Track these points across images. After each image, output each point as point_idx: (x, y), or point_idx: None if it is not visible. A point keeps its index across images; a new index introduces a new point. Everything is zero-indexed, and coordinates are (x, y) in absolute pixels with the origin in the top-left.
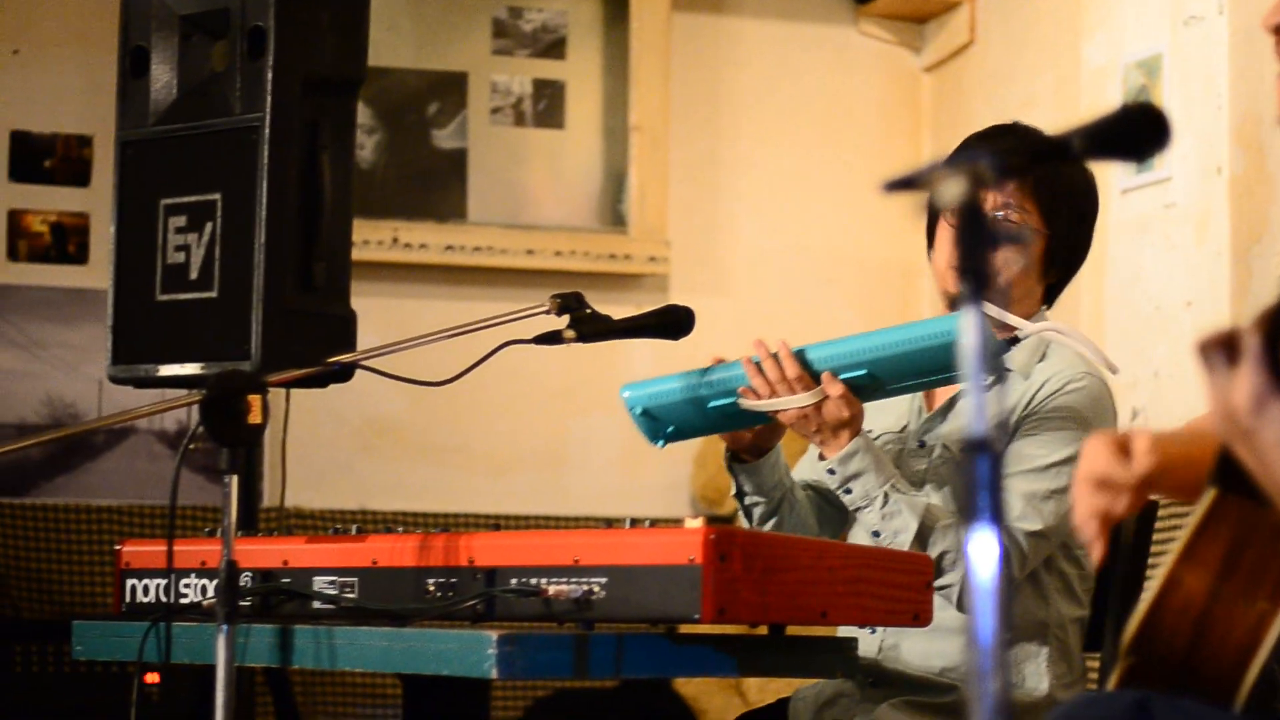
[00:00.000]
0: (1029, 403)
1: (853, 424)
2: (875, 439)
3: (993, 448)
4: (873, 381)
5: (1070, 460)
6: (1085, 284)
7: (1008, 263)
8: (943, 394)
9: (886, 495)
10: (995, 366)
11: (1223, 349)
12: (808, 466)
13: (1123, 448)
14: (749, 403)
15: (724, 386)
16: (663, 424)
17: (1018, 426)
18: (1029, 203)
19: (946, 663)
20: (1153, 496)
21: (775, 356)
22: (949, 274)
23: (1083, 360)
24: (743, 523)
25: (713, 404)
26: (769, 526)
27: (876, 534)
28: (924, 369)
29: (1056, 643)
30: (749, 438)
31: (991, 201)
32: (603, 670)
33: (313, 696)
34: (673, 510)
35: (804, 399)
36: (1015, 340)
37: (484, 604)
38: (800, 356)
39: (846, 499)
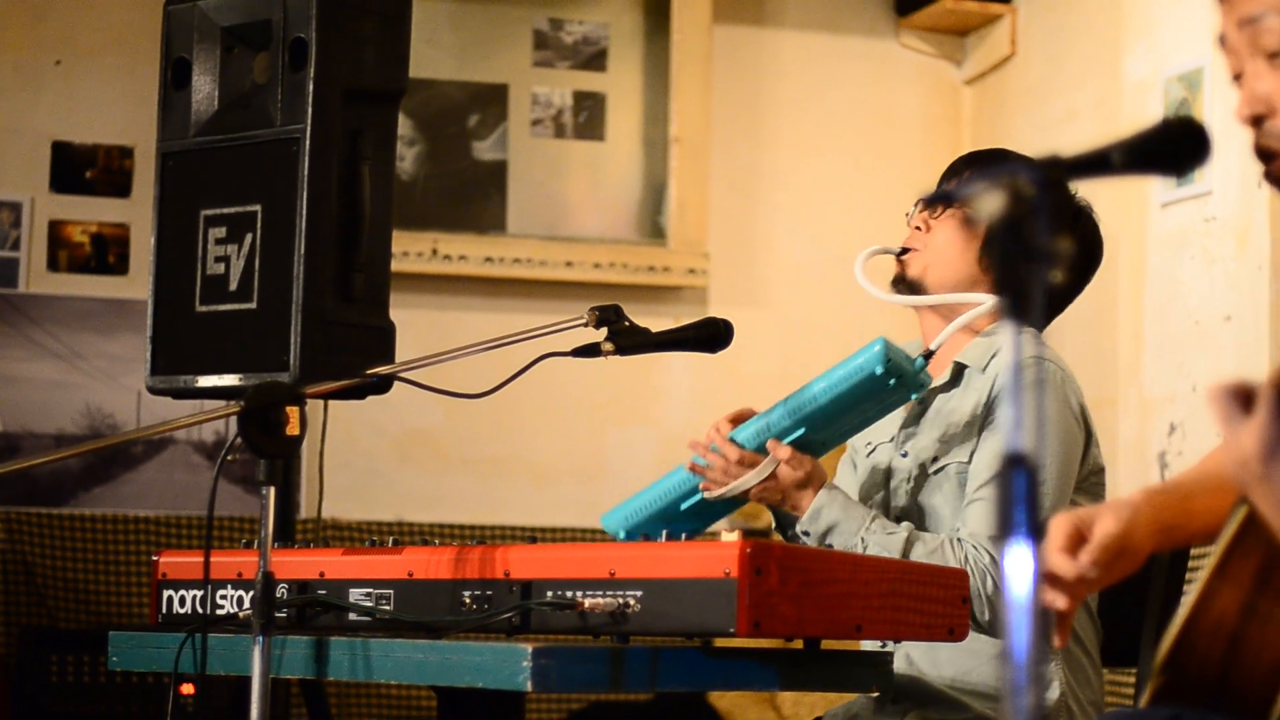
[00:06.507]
0: (988, 400)
1: (812, 481)
2: (871, 452)
3: (1028, 463)
4: (816, 435)
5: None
6: (1124, 297)
7: (949, 238)
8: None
9: (864, 540)
10: (919, 383)
11: (1237, 398)
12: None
13: (1081, 534)
14: (712, 494)
15: (687, 486)
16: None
17: (982, 429)
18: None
19: (956, 671)
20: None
21: (714, 449)
22: None
23: (1034, 344)
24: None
25: (684, 505)
26: None
27: None
28: (856, 406)
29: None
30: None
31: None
32: (637, 683)
33: (348, 708)
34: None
35: (757, 475)
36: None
37: (519, 616)
38: (738, 438)
39: None
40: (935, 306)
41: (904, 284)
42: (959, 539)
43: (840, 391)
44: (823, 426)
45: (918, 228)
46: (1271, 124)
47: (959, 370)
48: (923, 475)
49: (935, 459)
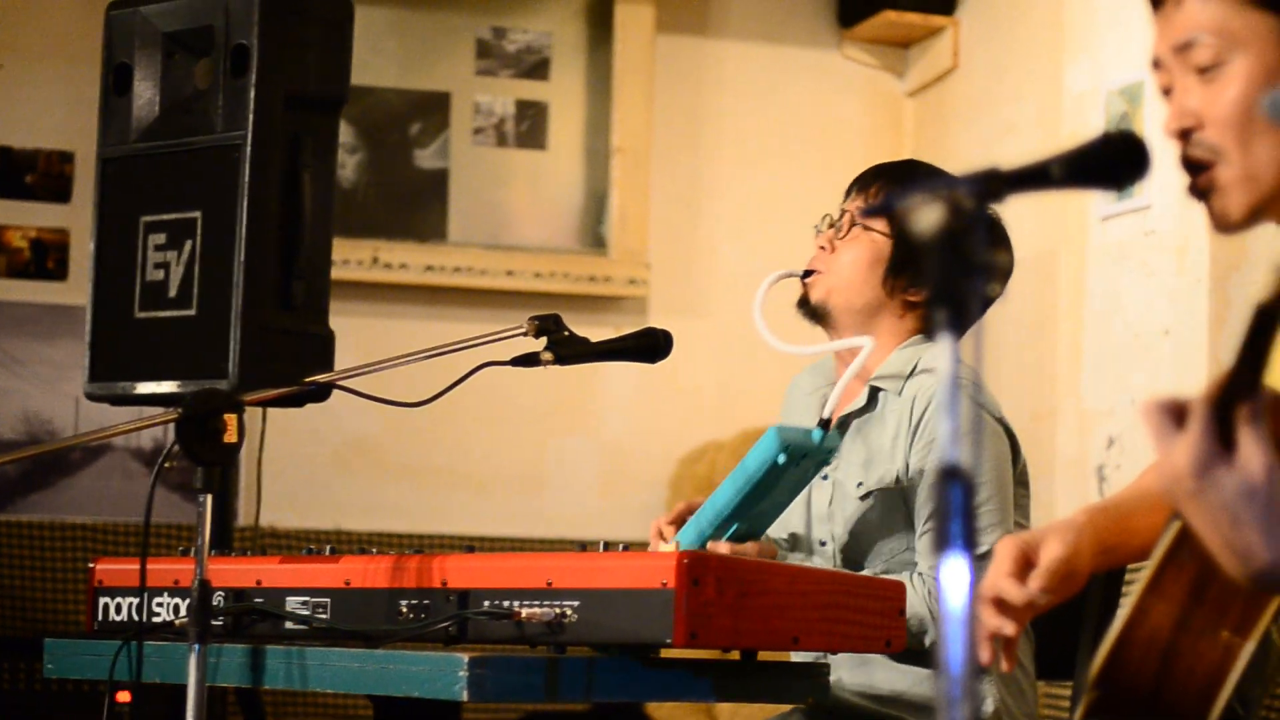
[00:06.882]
0: (913, 425)
1: None
2: None
3: (964, 476)
4: (749, 522)
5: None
6: (1063, 310)
7: (853, 260)
8: (839, 411)
9: None
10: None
11: (1170, 414)
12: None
13: (1027, 558)
14: None
15: None
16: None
17: (912, 456)
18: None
19: (891, 692)
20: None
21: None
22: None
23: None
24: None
25: None
26: None
27: None
28: (774, 490)
29: None
30: None
31: (849, 207)
32: (573, 693)
33: (284, 717)
34: (650, 532)
35: None
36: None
37: (456, 626)
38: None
39: None
40: (841, 329)
41: (807, 307)
42: (919, 574)
43: (754, 485)
44: (752, 513)
45: (822, 248)
46: (1200, 135)
47: (874, 392)
48: (847, 499)
49: (860, 483)
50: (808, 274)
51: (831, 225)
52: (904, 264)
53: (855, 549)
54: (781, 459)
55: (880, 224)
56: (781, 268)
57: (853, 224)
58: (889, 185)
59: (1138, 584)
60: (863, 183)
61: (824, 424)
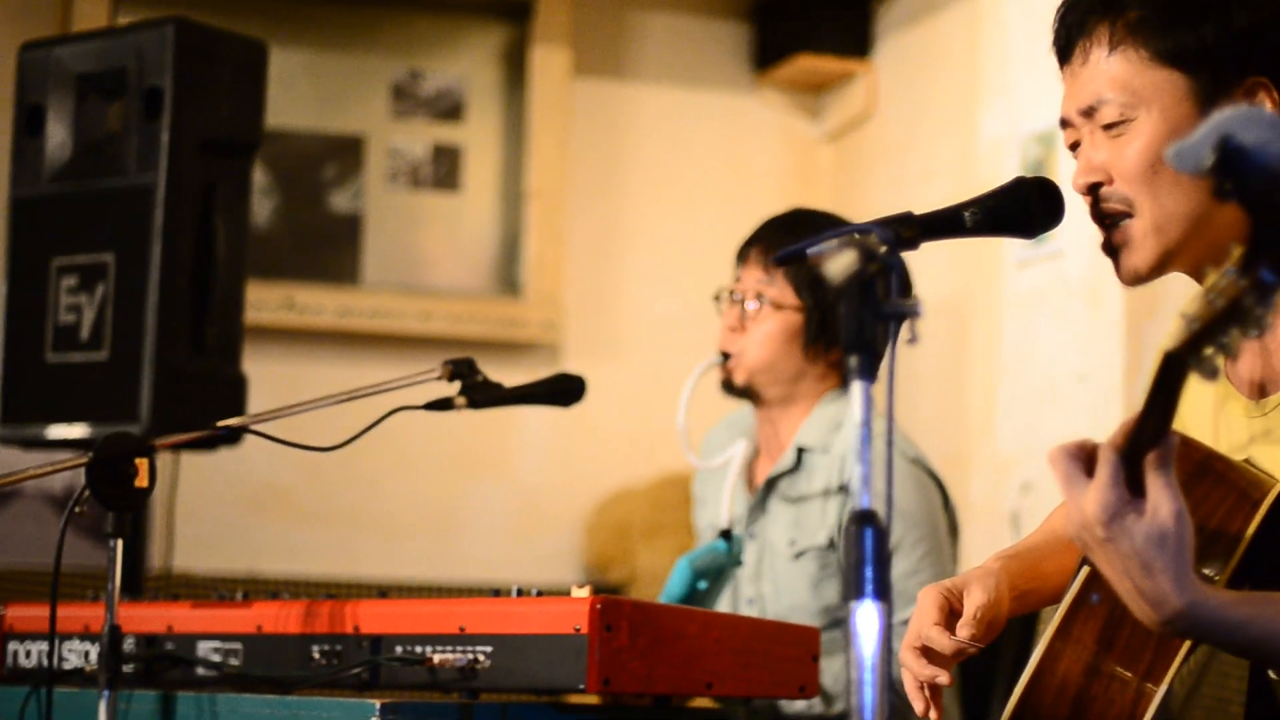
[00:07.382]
0: (845, 484)
1: None
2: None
3: (877, 522)
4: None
5: (901, 543)
6: (978, 355)
7: (766, 337)
8: (760, 475)
9: None
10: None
11: (1078, 460)
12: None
13: (951, 606)
14: None
15: None
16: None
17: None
18: (778, 277)
19: (797, 710)
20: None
21: None
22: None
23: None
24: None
25: None
26: None
27: None
28: (698, 598)
29: None
30: None
31: (748, 279)
32: None
33: None
34: (564, 577)
35: None
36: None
37: (369, 672)
38: None
39: None
40: (767, 401)
41: (733, 389)
42: None
43: (683, 601)
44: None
45: (732, 328)
46: (1108, 189)
47: (800, 453)
48: (778, 558)
49: (792, 541)
50: (726, 357)
51: (733, 298)
52: (821, 331)
53: (785, 607)
54: (702, 585)
55: (789, 297)
56: (698, 312)
57: (760, 302)
58: (784, 242)
59: (1047, 630)
60: (757, 250)
61: (725, 534)
